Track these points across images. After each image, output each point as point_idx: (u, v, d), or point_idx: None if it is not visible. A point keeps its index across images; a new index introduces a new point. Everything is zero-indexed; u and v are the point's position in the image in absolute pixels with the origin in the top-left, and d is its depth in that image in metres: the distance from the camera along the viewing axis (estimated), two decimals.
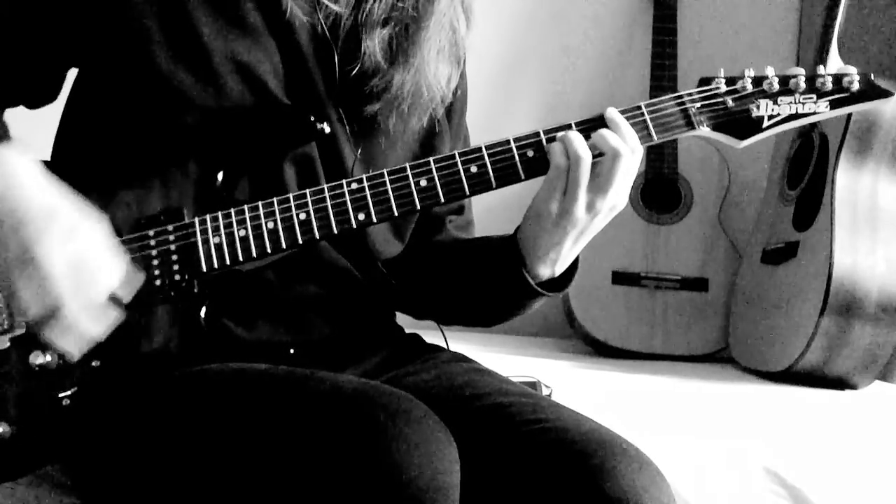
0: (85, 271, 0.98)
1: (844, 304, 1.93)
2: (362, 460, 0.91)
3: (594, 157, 1.08)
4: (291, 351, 1.15)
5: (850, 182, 2.00)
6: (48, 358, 1.04)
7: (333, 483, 0.92)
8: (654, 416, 1.65)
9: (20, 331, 1.05)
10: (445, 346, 1.30)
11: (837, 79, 1.15)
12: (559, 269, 1.15)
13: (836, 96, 1.14)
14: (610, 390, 1.87)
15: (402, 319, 1.33)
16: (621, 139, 1.09)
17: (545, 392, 1.59)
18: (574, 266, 1.17)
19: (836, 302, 1.92)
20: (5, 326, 1.05)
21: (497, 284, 1.18)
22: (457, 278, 1.24)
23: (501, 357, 1.81)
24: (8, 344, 1.05)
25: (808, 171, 2.10)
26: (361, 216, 1.09)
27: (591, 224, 1.11)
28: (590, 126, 1.11)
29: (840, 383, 1.98)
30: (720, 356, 2.30)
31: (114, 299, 1.01)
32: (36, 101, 1.19)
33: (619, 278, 2.30)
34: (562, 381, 1.67)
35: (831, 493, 1.45)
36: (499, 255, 1.17)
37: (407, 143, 1.24)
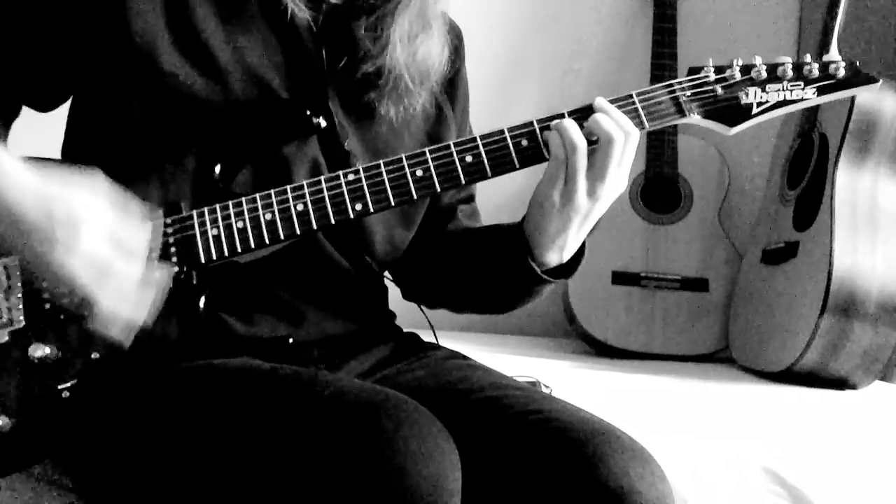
0: (105, 264, 0.99)
1: (844, 304, 1.93)
2: (366, 467, 0.91)
3: (589, 143, 1.11)
4: (290, 341, 1.15)
5: (849, 182, 2.00)
6: (48, 350, 1.05)
7: (335, 488, 0.92)
8: (654, 416, 1.65)
9: (19, 325, 1.05)
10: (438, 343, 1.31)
11: (824, 66, 1.17)
12: (566, 254, 1.17)
13: (823, 83, 1.17)
14: (610, 390, 1.86)
15: (400, 319, 1.34)
16: (615, 123, 1.11)
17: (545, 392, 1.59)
18: (581, 251, 1.19)
19: (836, 302, 1.92)
20: (4, 320, 1.05)
21: (505, 272, 1.20)
22: (467, 266, 1.27)
23: (501, 357, 1.81)
24: (7, 338, 1.05)
25: (808, 171, 2.10)
26: (359, 206, 1.10)
27: (594, 208, 1.13)
28: (581, 115, 1.13)
29: (840, 383, 1.98)
30: (720, 356, 2.30)
31: (149, 264, 1.02)
32: (43, 104, 1.18)
33: (619, 278, 2.29)
34: (562, 381, 1.67)
35: (831, 493, 1.44)
36: (506, 245, 1.19)
37: (414, 134, 1.26)
